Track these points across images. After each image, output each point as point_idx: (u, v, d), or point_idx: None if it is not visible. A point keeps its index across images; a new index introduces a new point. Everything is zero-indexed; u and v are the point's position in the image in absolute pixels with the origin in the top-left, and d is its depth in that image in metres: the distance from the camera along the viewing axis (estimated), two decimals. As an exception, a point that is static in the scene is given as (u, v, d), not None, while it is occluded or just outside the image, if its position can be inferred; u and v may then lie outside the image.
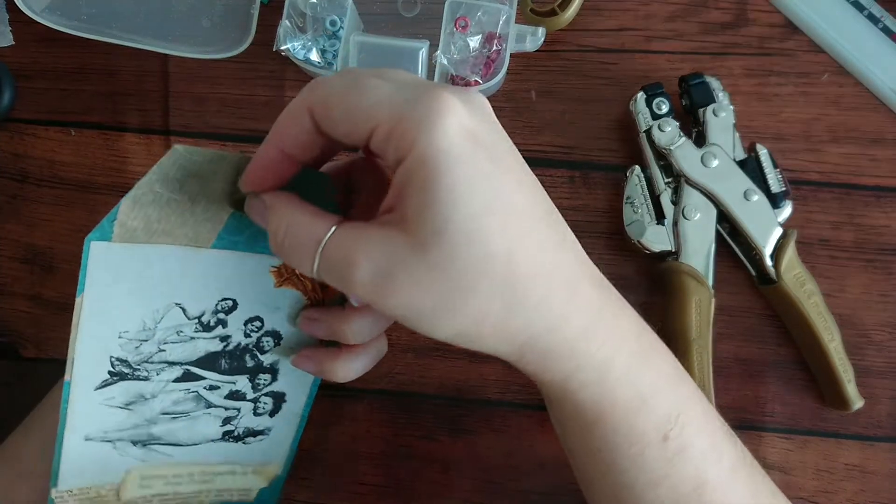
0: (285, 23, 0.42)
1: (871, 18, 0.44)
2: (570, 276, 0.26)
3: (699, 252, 0.40)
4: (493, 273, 0.24)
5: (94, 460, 0.33)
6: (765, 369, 0.42)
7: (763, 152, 0.41)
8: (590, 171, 0.44)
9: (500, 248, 0.24)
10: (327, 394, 0.42)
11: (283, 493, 0.42)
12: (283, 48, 0.42)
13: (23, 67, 0.47)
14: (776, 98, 0.44)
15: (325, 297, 0.33)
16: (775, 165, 0.41)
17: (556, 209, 0.27)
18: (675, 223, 0.41)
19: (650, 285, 0.43)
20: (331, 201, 0.28)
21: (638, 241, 0.41)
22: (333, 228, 0.25)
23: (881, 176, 0.43)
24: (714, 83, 0.42)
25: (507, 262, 0.24)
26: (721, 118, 0.41)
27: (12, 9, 0.45)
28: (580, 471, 0.32)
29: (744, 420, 0.42)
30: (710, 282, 0.40)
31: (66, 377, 0.31)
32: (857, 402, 0.39)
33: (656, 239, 0.41)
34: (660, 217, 0.41)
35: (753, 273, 0.42)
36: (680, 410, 0.29)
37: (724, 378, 0.41)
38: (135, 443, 0.34)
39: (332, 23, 0.43)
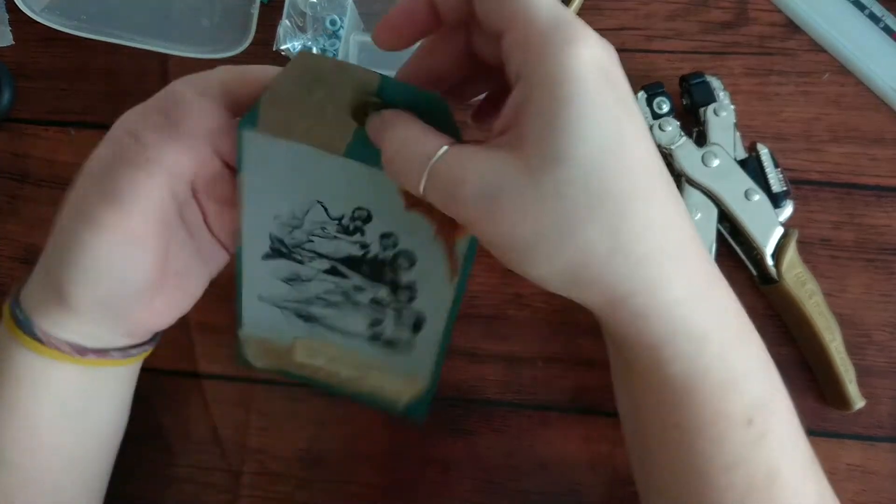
0: (285, 22, 0.42)
1: (872, 18, 0.44)
2: (681, 240, 0.25)
3: (700, 252, 0.40)
4: (606, 213, 0.23)
5: (267, 318, 0.38)
6: (766, 369, 0.42)
7: (764, 152, 0.41)
8: (590, 170, 0.44)
9: (618, 189, 0.23)
10: (327, 393, 0.42)
11: (283, 493, 0.42)
12: (283, 48, 0.42)
13: (23, 67, 0.47)
14: (777, 97, 0.44)
15: (454, 232, 0.33)
16: (776, 165, 0.41)
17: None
18: (676, 223, 0.41)
19: (651, 285, 0.43)
20: (452, 127, 0.28)
21: (638, 241, 0.41)
22: (445, 148, 0.25)
23: (882, 175, 0.43)
24: (715, 82, 0.42)
25: (622, 206, 0.23)
26: (722, 117, 0.41)
27: (12, 9, 0.45)
28: (646, 447, 0.30)
29: (745, 420, 0.41)
30: (711, 281, 0.40)
31: (238, 244, 0.35)
32: (859, 403, 0.39)
33: (657, 239, 0.41)
34: (660, 217, 0.41)
35: (754, 273, 0.41)
36: (768, 397, 0.28)
37: (724, 378, 0.41)
38: (299, 315, 0.38)
39: (332, 22, 0.43)
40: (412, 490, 0.42)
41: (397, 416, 0.40)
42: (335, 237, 0.35)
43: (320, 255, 0.35)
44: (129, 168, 0.29)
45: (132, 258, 0.30)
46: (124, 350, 0.34)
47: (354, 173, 0.31)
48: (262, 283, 0.37)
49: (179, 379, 0.43)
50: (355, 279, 0.36)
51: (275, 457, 0.43)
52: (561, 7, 0.24)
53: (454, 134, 0.27)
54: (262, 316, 0.38)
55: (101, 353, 0.33)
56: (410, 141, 0.25)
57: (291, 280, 0.37)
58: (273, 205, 0.34)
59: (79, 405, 0.34)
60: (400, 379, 0.39)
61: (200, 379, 0.43)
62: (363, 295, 0.37)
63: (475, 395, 0.42)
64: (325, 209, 0.34)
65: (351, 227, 0.34)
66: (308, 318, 0.38)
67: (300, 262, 0.36)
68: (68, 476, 0.34)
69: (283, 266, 0.36)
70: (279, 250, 0.35)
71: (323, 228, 0.34)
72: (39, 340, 0.31)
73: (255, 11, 0.44)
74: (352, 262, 0.36)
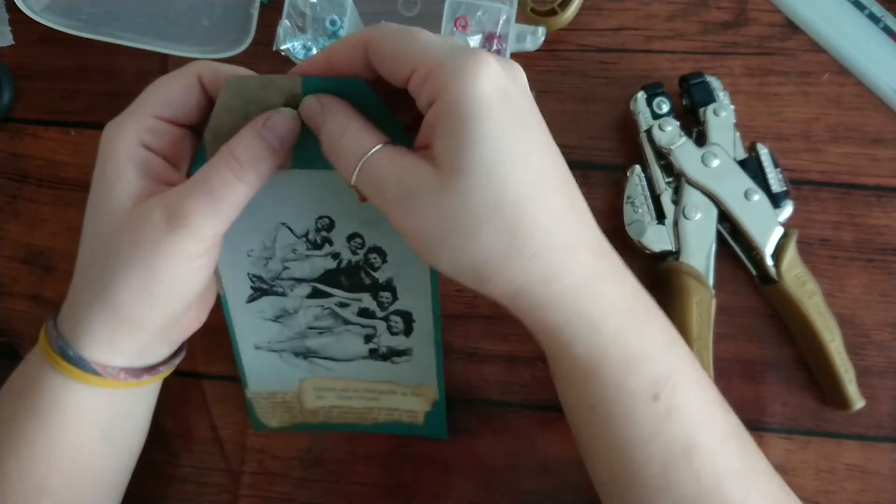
0: (285, 22, 0.42)
1: (872, 18, 0.44)
2: (570, 238, 0.28)
3: (700, 252, 0.40)
4: (501, 218, 0.26)
5: (268, 367, 0.39)
6: (765, 369, 0.42)
7: (763, 152, 0.41)
8: (590, 170, 0.44)
9: (511, 196, 0.26)
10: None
11: (283, 493, 0.42)
12: (283, 48, 0.42)
13: (23, 67, 0.47)
14: (776, 98, 0.44)
15: None
16: (776, 165, 0.41)
17: (573, 180, 0.30)
18: (676, 223, 0.41)
19: (651, 285, 0.42)
20: (377, 105, 0.30)
21: (638, 241, 0.41)
22: (379, 146, 0.28)
23: (882, 176, 0.43)
24: (714, 83, 0.42)
25: (514, 211, 0.26)
26: (722, 118, 0.41)
27: (12, 9, 0.45)
28: (577, 430, 0.33)
29: (744, 420, 0.41)
30: (711, 282, 0.40)
31: (220, 291, 0.36)
32: (858, 402, 0.39)
33: (657, 239, 0.41)
34: (660, 217, 0.41)
35: (754, 273, 0.42)
36: (671, 373, 0.30)
37: (724, 378, 0.41)
38: (296, 354, 0.39)
39: (332, 22, 0.43)
40: (412, 490, 0.42)
41: (422, 434, 0.41)
42: (307, 256, 0.36)
43: (299, 281, 0.37)
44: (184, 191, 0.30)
45: (194, 277, 0.31)
46: (168, 362, 0.35)
47: (306, 182, 0.33)
48: (253, 329, 0.38)
49: (179, 379, 0.43)
50: (338, 294, 0.37)
51: (275, 457, 0.43)
52: (454, 41, 0.28)
53: (380, 111, 0.30)
54: (262, 367, 0.39)
55: (152, 370, 0.34)
56: (350, 135, 0.29)
57: (280, 317, 0.38)
58: (243, 242, 0.35)
59: (116, 427, 0.34)
60: (411, 393, 0.40)
61: (200, 379, 0.43)
62: (349, 310, 0.37)
63: (475, 395, 0.42)
64: (291, 229, 0.35)
65: (318, 240, 0.35)
66: (307, 355, 0.39)
67: (283, 295, 0.37)
68: (98, 494, 0.35)
69: (268, 304, 0.37)
70: (261, 288, 0.37)
71: (294, 251, 0.35)
72: (95, 373, 0.31)
73: (255, 11, 0.44)
74: (329, 278, 0.36)
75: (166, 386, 0.40)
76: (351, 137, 0.28)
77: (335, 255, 0.36)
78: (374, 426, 0.41)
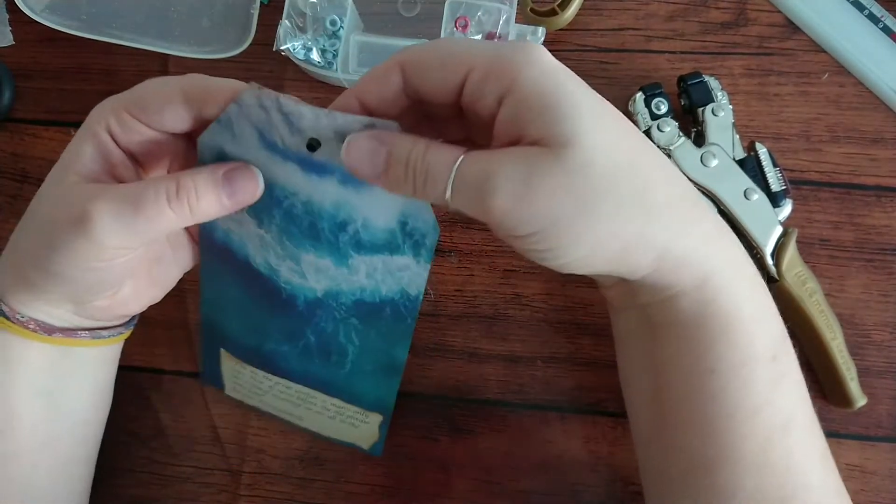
0: (285, 23, 0.42)
1: (872, 18, 0.44)
2: (686, 191, 0.28)
3: (699, 252, 0.40)
4: (628, 177, 0.26)
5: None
6: (765, 369, 0.42)
7: (762, 151, 0.41)
8: (590, 170, 0.44)
9: (623, 159, 0.26)
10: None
11: (283, 493, 0.42)
12: (283, 48, 0.42)
13: (23, 67, 0.47)
14: (776, 98, 0.44)
15: None
16: (775, 164, 0.41)
17: None
18: (676, 223, 0.41)
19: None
20: None
21: (638, 241, 0.41)
22: (465, 151, 0.27)
23: (881, 176, 0.43)
24: (713, 83, 0.42)
25: (635, 168, 0.26)
26: (720, 117, 0.41)
27: (12, 9, 0.45)
28: (668, 409, 0.31)
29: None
30: (711, 281, 0.40)
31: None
32: (860, 400, 0.39)
33: (656, 238, 0.41)
34: (660, 217, 0.41)
35: (754, 273, 0.42)
36: (784, 335, 0.30)
37: (724, 378, 0.41)
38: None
39: (332, 23, 0.43)
40: (412, 490, 0.42)
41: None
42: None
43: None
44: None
45: (95, 276, 0.30)
46: (93, 331, 0.34)
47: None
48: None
49: (179, 379, 0.43)
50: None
51: (275, 457, 0.43)
52: (496, 42, 0.27)
53: None
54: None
55: (69, 332, 0.33)
56: (422, 153, 0.27)
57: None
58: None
59: (52, 384, 0.34)
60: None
61: (200, 379, 0.43)
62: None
63: (475, 395, 0.42)
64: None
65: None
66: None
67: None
68: (43, 456, 0.34)
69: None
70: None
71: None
72: (6, 317, 0.32)
73: (255, 11, 0.44)
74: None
75: (166, 386, 0.40)
76: (428, 154, 0.27)
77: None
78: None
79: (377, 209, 0.31)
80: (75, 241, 0.28)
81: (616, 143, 0.26)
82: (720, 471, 0.29)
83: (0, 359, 0.33)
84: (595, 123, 0.25)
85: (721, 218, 0.31)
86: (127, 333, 0.36)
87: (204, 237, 0.35)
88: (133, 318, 0.36)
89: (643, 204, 0.26)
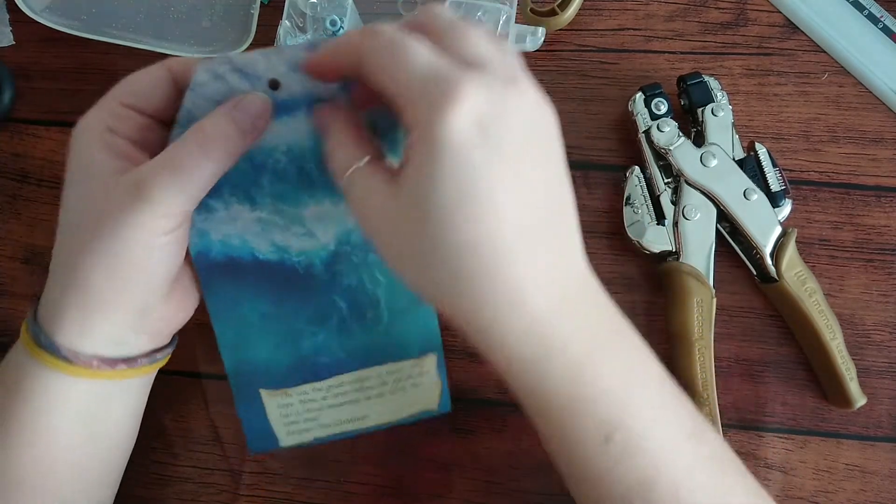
0: (285, 23, 0.42)
1: (871, 18, 0.44)
2: (541, 268, 0.27)
3: (699, 252, 0.40)
4: (462, 260, 0.26)
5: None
6: (766, 369, 0.42)
7: (762, 151, 0.41)
8: (589, 171, 0.44)
9: (467, 238, 0.25)
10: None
11: (283, 493, 0.42)
12: (283, 48, 0.42)
13: (23, 67, 0.47)
14: (776, 98, 0.44)
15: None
16: (774, 164, 0.41)
17: (567, 216, 0.28)
18: (676, 223, 0.41)
19: (651, 286, 0.43)
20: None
21: (638, 242, 0.41)
22: (366, 159, 0.28)
23: (881, 176, 0.43)
24: (712, 83, 0.42)
25: (472, 254, 0.26)
26: (720, 118, 0.41)
27: (12, 9, 0.45)
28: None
29: (744, 420, 0.41)
30: (711, 281, 0.40)
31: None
32: (860, 400, 0.39)
33: (657, 239, 0.41)
34: (660, 217, 0.41)
35: (754, 272, 0.42)
36: (623, 414, 0.29)
37: (724, 378, 0.41)
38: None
39: (332, 23, 0.43)
40: (412, 490, 0.42)
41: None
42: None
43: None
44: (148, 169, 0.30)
45: (161, 255, 0.30)
46: (150, 356, 0.34)
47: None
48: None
49: (179, 379, 0.43)
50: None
51: (275, 457, 0.43)
52: (438, 64, 0.25)
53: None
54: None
55: (130, 361, 0.33)
56: (341, 145, 0.29)
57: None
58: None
59: (98, 420, 0.34)
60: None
61: (200, 379, 0.43)
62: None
63: (475, 395, 0.42)
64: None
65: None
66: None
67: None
68: (76, 487, 0.34)
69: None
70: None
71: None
72: (67, 360, 0.31)
73: (255, 11, 0.44)
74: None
75: (166, 386, 0.40)
76: (343, 148, 0.29)
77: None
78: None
79: None
80: (135, 209, 0.28)
81: (465, 222, 0.25)
82: None
83: (50, 401, 0.32)
84: (450, 198, 0.25)
85: (581, 283, 0.29)
86: (171, 352, 0.36)
87: (202, 272, 0.34)
88: (173, 341, 0.36)
89: (458, 282, 0.26)
